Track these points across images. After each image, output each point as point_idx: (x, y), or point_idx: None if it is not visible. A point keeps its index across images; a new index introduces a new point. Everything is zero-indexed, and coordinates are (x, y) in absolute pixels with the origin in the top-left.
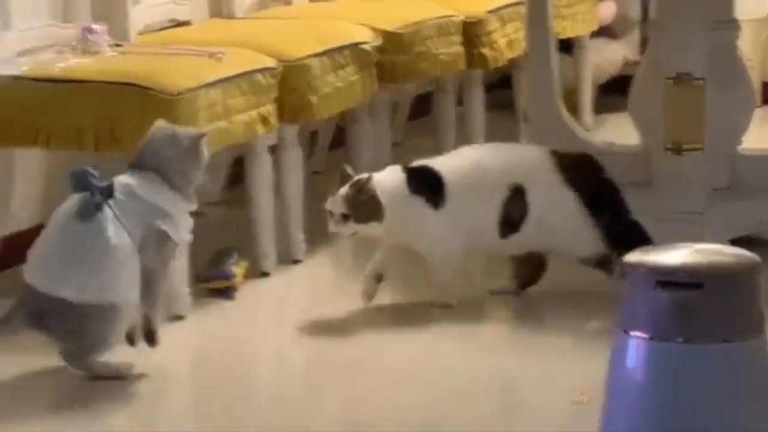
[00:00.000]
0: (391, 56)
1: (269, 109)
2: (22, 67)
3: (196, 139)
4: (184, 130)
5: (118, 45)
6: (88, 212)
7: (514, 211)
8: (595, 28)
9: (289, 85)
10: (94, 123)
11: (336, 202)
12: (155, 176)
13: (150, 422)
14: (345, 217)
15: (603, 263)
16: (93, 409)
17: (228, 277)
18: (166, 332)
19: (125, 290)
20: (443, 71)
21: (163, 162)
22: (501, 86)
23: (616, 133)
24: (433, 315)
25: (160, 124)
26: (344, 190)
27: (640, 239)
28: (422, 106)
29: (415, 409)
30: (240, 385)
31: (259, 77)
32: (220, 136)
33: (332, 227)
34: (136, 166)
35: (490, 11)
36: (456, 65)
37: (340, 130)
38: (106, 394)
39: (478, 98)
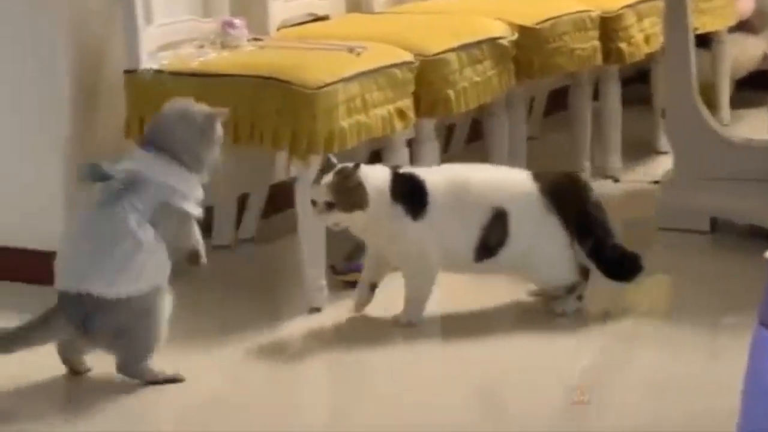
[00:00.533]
0: (527, 51)
1: (407, 103)
2: (163, 62)
3: (211, 118)
4: (199, 107)
5: (257, 39)
6: (110, 200)
7: (493, 235)
8: (733, 22)
9: (426, 79)
10: (234, 117)
11: (320, 190)
12: (163, 155)
13: (286, 413)
14: (329, 206)
15: (572, 290)
16: (229, 400)
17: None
18: (303, 324)
19: (156, 279)
20: (579, 66)
21: (173, 141)
22: (638, 81)
23: (754, 128)
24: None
25: (176, 100)
26: (329, 177)
27: (627, 264)
28: (558, 101)
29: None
30: (374, 377)
31: (397, 72)
32: (359, 130)
33: (314, 217)
34: (144, 145)
35: (627, 6)
36: (592, 60)
37: (477, 124)
38: (254, 387)
39: (614, 93)
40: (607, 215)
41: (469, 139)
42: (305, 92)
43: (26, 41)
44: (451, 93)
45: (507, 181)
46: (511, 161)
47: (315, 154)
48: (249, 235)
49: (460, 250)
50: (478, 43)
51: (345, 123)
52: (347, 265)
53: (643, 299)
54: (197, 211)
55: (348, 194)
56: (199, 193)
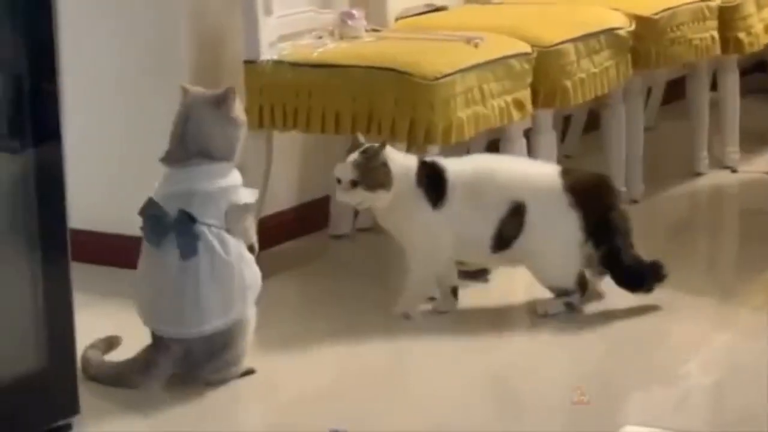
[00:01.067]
0: (645, 41)
1: (524, 94)
2: (282, 52)
3: (222, 97)
4: (208, 93)
5: (375, 30)
6: (190, 249)
7: (510, 228)
8: None
9: (543, 70)
10: (352, 107)
11: (345, 168)
12: (199, 161)
13: (400, 403)
14: (353, 184)
15: (562, 294)
16: (338, 391)
17: None
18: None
19: (255, 284)
20: (697, 56)
21: (202, 137)
22: (757, 71)
23: None
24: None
25: (185, 98)
26: (354, 156)
27: (646, 275)
28: (676, 91)
29: None
30: (491, 365)
31: (515, 63)
32: (476, 121)
33: (339, 195)
34: (173, 162)
35: None
36: (711, 50)
37: (594, 114)
38: (368, 377)
39: (732, 83)
40: (630, 225)
41: (585, 130)
42: (423, 83)
43: (147, 32)
44: (568, 84)
45: (532, 175)
46: (629, 152)
47: (433, 144)
48: (367, 225)
49: (478, 241)
50: (596, 33)
51: (462, 114)
52: None
53: (759, 291)
54: (254, 197)
55: (372, 173)
56: (241, 179)
